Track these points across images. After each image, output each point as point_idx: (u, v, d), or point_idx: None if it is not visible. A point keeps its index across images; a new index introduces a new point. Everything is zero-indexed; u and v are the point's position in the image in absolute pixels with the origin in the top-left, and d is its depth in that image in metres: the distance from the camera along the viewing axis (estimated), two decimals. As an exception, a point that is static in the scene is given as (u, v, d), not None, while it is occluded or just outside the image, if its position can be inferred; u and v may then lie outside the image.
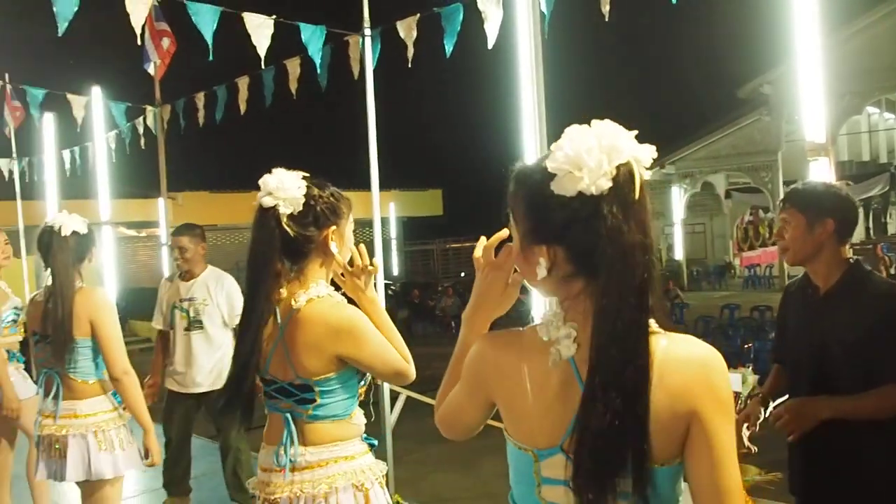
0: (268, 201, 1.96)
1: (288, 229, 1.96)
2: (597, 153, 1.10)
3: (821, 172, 2.54)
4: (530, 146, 3.32)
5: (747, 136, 20.42)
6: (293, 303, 1.97)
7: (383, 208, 4.41)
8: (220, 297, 4.46)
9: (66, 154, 8.88)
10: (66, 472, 3.05)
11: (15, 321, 4.28)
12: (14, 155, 10.11)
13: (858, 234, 18.41)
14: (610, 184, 1.10)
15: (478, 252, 1.47)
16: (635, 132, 1.13)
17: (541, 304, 3.32)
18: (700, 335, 1.81)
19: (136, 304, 13.69)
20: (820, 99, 2.56)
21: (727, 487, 1.13)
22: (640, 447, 1.08)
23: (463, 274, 27.23)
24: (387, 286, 4.39)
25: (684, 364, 1.13)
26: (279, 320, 2.00)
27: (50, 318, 3.04)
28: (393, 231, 25.50)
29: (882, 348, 2.17)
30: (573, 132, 1.14)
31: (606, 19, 3.28)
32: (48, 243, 3.11)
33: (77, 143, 8.63)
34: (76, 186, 9.63)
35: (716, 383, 1.14)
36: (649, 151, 1.12)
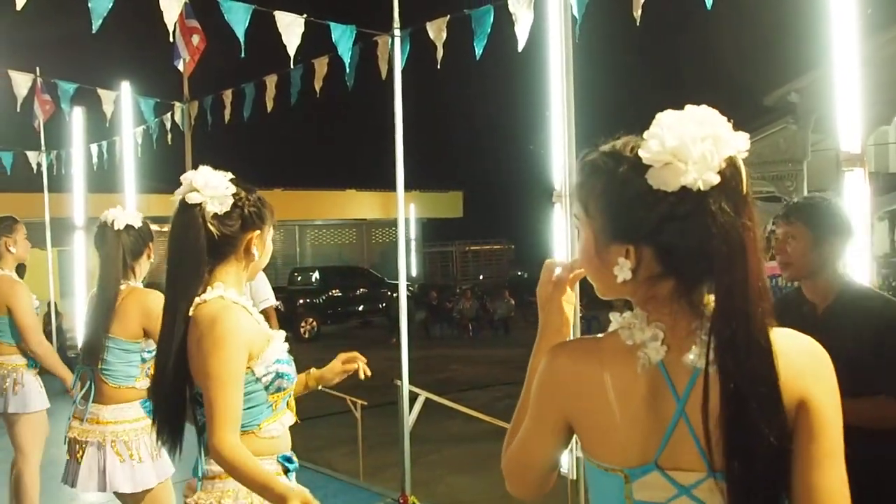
0: (194, 197, 1.87)
1: (213, 228, 1.88)
2: (702, 143, 1.01)
3: (856, 183, 2.51)
4: (558, 150, 3.30)
5: (772, 145, 20.17)
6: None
7: (404, 209, 4.43)
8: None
9: (94, 148, 8.98)
10: (79, 479, 2.91)
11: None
12: (42, 148, 10.24)
13: (882, 247, 18.15)
14: (718, 178, 1.01)
15: (544, 286, 1.31)
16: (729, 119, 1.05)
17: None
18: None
19: (158, 298, 13.78)
20: (857, 107, 2.53)
21: (832, 487, 1.03)
22: (788, 460, 1.01)
23: (482, 277, 27.21)
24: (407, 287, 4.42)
25: (796, 354, 1.07)
26: None
27: (91, 315, 2.94)
28: (413, 232, 25.52)
29: (882, 363, 2.15)
30: (668, 118, 1.04)
31: (638, 24, 3.25)
32: (101, 237, 3.01)
33: (105, 138, 8.72)
34: (102, 180, 9.73)
35: (826, 373, 1.07)
36: (746, 141, 1.04)
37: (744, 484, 0.99)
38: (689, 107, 1.05)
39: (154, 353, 2.96)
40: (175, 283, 1.91)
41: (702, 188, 1.01)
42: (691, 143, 1.01)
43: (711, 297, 1.08)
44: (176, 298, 1.90)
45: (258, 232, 1.97)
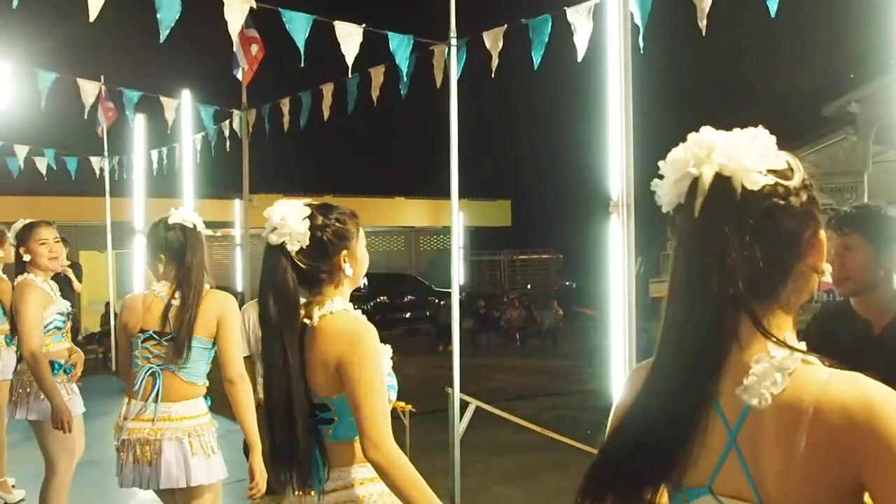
0: (274, 239, 1.92)
1: (300, 264, 1.93)
2: None
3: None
4: (615, 161, 3.28)
5: (832, 156, 19.66)
6: (307, 321, 1.94)
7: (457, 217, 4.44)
8: None
9: (154, 154, 9.24)
10: (160, 478, 2.93)
11: (60, 328, 3.96)
12: (105, 153, 10.58)
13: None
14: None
15: None
16: None
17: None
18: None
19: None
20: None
21: None
22: None
23: (529, 286, 27.05)
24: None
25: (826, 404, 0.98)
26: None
27: (178, 315, 2.97)
28: (461, 240, 25.55)
29: None
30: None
31: (704, 34, 3.20)
32: (183, 239, 3.03)
33: (165, 144, 8.97)
34: (160, 185, 10.01)
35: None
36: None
37: None
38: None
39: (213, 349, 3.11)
40: (274, 323, 1.92)
41: None
42: None
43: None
44: (280, 334, 1.91)
45: (345, 251, 2.00)
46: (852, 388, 0.97)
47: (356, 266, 2.04)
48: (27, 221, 3.97)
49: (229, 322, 3.04)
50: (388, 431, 1.87)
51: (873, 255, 2.15)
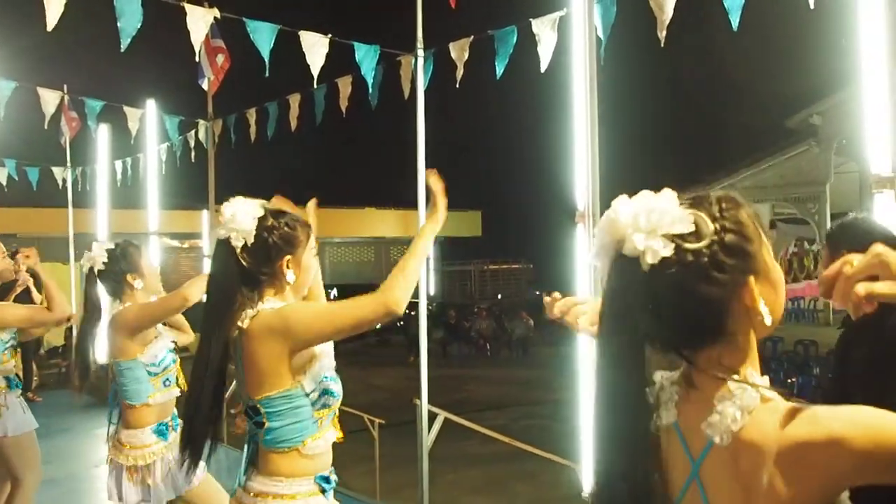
0: (222, 234, 1.95)
1: (242, 261, 1.93)
2: None
3: (887, 205, 2.47)
4: (581, 171, 3.29)
5: (795, 167, 20.08)
6: (240, 323, 1.94)
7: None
8: None
9: (119, 164, 9.10)
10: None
11: (14, 347, 3.96)
12: (68, 164, 10.40)
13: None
14: None
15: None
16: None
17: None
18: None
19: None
20: (887, 129, 2.49)
21: None
22: None
23: (500, 296, 27.12)
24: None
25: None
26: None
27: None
28: (431, 251, 25.56)
29: None
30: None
31: (662, 44, 3.25)
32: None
33: (129, 154, 8.84)
34: (125, 196, 9.87)
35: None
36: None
37: None
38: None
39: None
40: (210, 313, 1.96)
41: None
42: None
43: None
44: (211, 326, 1.94)
45: (289, 256, 1.99)
46: (812, 427, 0.98)
47: (300, 274, 2.03)
48: None
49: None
50: (372, 300, 1.93)
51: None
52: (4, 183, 10.31)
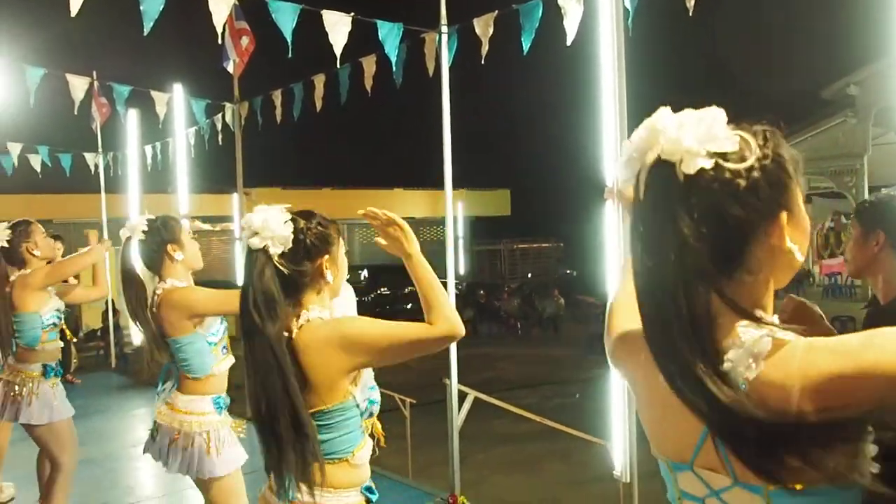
0: (255, 242, 1.88)
1: (282, 268, 1.89)
2: None
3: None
4: (609, 146, 3.23)
5: (831, 139, 19.58)
6: (287, 333, 1.88)
7: (452, 207, 4.39)
8: None
9: (148, 149, 9.19)
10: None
11: (56, 325, 4.04)
12: (100, 149, 10.53)
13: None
14: None
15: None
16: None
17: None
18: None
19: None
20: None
21: None
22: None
23: (530, 275, 27.04)
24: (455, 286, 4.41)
25: None
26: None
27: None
28: (461, 230, 25.54)
29: None
30: None
31: (691, 14, 3.15)
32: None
33: (158, 139, 8.93)
34: (156, 180, 9.97)
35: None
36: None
37: None
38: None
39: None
40: (254, 322, 1.85)
41: None
42: None
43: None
44: (265, 336, 1.84)
45: (327, 256, 1.97)
46: (841, 358, 0.94)
47: (336, 273, 2.01)
48: (18, 221, 4.01)
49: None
50: (427, 327, 1.92)
51: (860, 237, 2.22)
52: (39, 170, 10.47)
